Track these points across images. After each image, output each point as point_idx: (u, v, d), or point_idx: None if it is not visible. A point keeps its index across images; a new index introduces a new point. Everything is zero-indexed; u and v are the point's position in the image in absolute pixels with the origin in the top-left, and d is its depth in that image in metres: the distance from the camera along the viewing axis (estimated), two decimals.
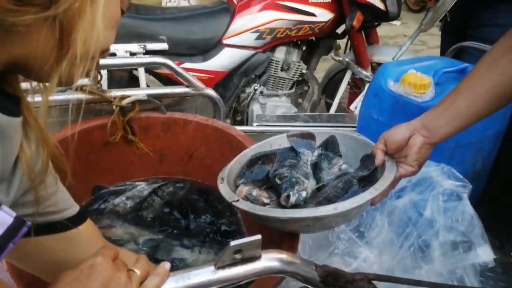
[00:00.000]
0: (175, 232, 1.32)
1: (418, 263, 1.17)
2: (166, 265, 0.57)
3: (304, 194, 0.95)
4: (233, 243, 0.56)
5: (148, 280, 0.55)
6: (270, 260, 0.61)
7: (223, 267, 0.58)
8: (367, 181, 1.02)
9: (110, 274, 0.52)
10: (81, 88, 1.43)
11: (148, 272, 0.56)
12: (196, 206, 1.43)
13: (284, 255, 0.62)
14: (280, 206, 0.96)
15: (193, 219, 1.38)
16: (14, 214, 0.46)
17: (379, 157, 1.00)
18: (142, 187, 1.48)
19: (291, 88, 2.51)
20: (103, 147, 1.44)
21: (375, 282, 0.76)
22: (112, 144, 1.44)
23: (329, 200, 0.95)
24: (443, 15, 2.13)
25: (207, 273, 0.57)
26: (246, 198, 0.95)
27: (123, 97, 1.42)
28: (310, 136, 1.18)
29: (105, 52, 0.52)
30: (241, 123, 2.39)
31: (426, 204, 1.22)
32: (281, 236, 0.95)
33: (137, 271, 0.54)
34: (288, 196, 0.93)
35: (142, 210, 1.39)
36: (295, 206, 0.94)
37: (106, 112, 1.45)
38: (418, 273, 1.13)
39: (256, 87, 2.35)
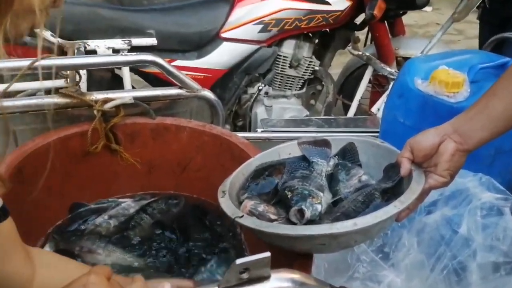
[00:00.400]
0: (167, 258, 1.35)
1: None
2: (166, 286, 0.60)
3: (319, 208, 0.98)
4: (239, 261, 0.59)
5: None
6: (280, 280, 0.64)
7: (227, 287, 0.61)
8: (391, 194, 1.05)
9: None
10: (57, 91, 1.48)
11: None
12: (191, 227, 1.46)
13: (296, 275, 0.65)
14: (290, 223, 0.99)
15: (187, 242, 1.40)
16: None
17: (405, 167, 1.03)
18: (128, 204, 1.50)
19: (301, 87, 2.55)
20: (83, 158, 1.48)
21: None
22: (93, 154, 1.47)
23: (347, 216, 0.97)
24: (480, 1, 2.18)
25: None
26: (251, 213, 0.98)
27: (106, 101, 1.46)
28: (325, 144, 1.22)
29: (57, 1, 0.56)
30: (243, 129, 2.42)
31: (461, 220, 1.24)
32: (292, 258, 0.98)
33: None
34: (300, 211, 0.96)
35: (128, 230, 1.41)
36: (308, 223, 0.97)
37: (86, 117, 1.49)
38: None
39: (260, 87, 2.39)
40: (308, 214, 0.96)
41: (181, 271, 1.31)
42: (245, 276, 0.61)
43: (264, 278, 0.62)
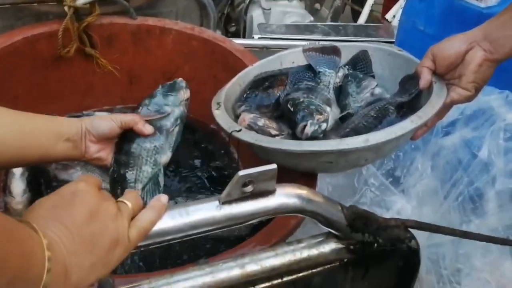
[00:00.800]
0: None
1: (467, 216, 1.26)
2: (163, 197, 0.64)
3: (324, 126, 1.02)
4: (242, 172, 0.63)
5: (141, 214, 0.63)
6: (286, 196, 0.68)
7: (229, 202, 0.65)
8: (407, 109, 1.08)
9: (96, 202, 0.59)
10: None
11: (140, 206, 0.64)
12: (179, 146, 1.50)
13: (303, 191, 0.70)
14: (293, 139, 1.03)
15: (176, 164, 1.45)
16: None
17: (425, 78, 1.06)
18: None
19: None
20: (53, 64, 1.48)
21: (412, 230, 0.85)
22: (65, 59, 1.48)
23: (357, 132, 1.01)
24: None
25: (211, 209, 0.64)
26: (250, 127, 1.01)
27: None
28: (334, 51, 1.23)
29: None
30: (235, 35, 2.41)
31: (482, 142, 1.29)
32: (294, 178, 1.02)
33: (128, 203, 0.62)
34: (304, 126, 0.99)
35: None
36: (311, 139, 1.00)
37: (55, 15, 1.49)
38: (466, 228, 1.23)
39: None
40: (309, 130, 0.99)
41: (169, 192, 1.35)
42: (248, 189, 0.65)
43: (268, 193, 0.67)
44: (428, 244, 1.32)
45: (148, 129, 1.06)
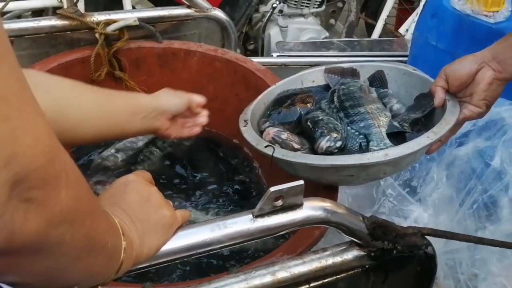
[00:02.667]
0: (181, 189, 1.47)
1: (482, 223, 1.32)
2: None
3: (339, 144, 1.08)
4: (273, 188, 0.70)
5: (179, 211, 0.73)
6: (313, 208, 0.75)
7: (262, 215, 0.72)
8: (421, 125, 1.14)
9: (146, 189, 0.69)
10: (55, 12, 1.55)
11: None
12: (204, 160, 1.57)
13: (328, 204, 0.77)
14: (313, 153, 1.09)
15: (201, 177, 1.52)
16: None
17: (439, 96, 1.12)
18: (136, 137, 1.62)
19: (320, 5, 2.58)
20: None
21: (429, 238, 0.92)
22: (96, 82, 1.57)
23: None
24: None
25: (245, 222, 0.71)
26: (274, 141, 1.08)
27: (108, 22, 1.54)
28: (353, 73, 1.30)
29: None
30: (254, 53, 2.49)
31: (494, 152, 1.35)
32: (317, 191, 1.09)
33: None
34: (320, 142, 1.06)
35: (137, 164, 1.53)
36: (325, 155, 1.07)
37: (86, 42, 1.58)
38: (481, 234, 1.28)
39: (274, 5, 2.42)
40: (324, 145, 1.05)
41: (196, 202, 1.42)
42: (278, 203, 0.72)
43: (297, 206, 0.74)
44: (445, 250, 1.37)
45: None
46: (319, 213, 0.75)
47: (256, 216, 0.72)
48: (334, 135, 1.08)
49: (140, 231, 0.65)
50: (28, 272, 0.47)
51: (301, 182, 0.71)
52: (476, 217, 1.35)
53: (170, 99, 1.13)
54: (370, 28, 2.86)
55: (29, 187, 0.40)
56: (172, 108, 1.11)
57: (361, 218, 0.81)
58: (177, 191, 1.45)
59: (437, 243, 1.39)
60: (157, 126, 1.09)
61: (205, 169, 1.54)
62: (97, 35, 1.52)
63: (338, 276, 0.85)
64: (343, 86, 1.20)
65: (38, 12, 2.10)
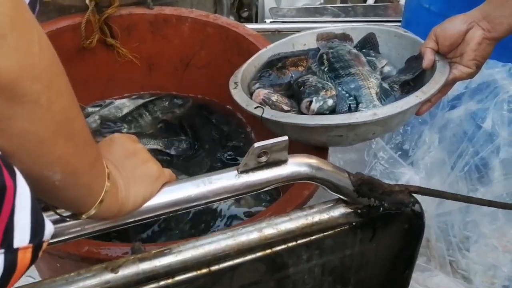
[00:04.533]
0: (171, 156, 1.47)
1: (474, 185, 1.33)
2: None
3: (330, 102, 1.08)
4: (257, 144, 0.70)
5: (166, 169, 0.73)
6: (297, 164, 0.76)
7: (246, 171, 0.73)
8: (412, 87, 1.15)
9: (131, 144, 0.70)
10: None
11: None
12: (198, 126, 1.57)
13: (313, 160, 0.77)
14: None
15: (193, 143, 1.52)
16: None
17: (428, 57, 1.12)
18: (122, 103, 1.62)
19: None
20: (76, 55, 1.57)
21: (421, 200, 0.92)
22: (87, 50, 1.56)
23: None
24: None
25: (230, 178, 0.72)
26: (264, 102, 1.09)
27: None
28: (345, 38, 1.29)
29: None
30: (248, 20, 2.47)
31: (486, 114, 1.35)
32: (306, 152, 1.10)
33: None
34: (310, 103, 1.06)
35: (124, 123, 1.53)
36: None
37: (76, 9, 1.57)
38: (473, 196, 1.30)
39: None
40: (315, 106, 1.06)
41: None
42: (263, 159, 0.73)
43: (281, 162, 0.74)
44: (437, 213, 1.39)
45: None
46: (304, 169, 0.76)
47: (241, 172, 0.73)
48: (322, 93, 1.08)
49: (125, 179, 0.65)
50: (3, 130, 0.47)
51: (285, 137, 0.72)
52: (467, 180, 1.37)
53: None
54: None
55: None
56: None
57: (347, 175, 0.81)
58: (168, 158, 1.46)
59: (429, 205, 1.41)
60: None
61: (198, 136, 1.54)
62: (87, 1, 1.51)
63: (325, 233, 0.86)
64: (331, 50, 1.20)
65: None
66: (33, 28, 0.47)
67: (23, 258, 0.48)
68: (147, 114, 1.55)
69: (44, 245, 0.51)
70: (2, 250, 0.46)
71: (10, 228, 0.46)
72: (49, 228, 0.52)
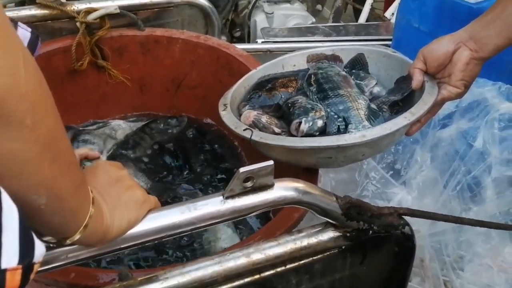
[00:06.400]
0: (172, 176, 1.47)
1: (467, 204, 1.32)
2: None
3: (319, 123, 1.07)
4: (242, 169, 0.70)
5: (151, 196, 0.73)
6: (284, 189, 0.75)
7: (232, 196, 0.72)
8: (401, 107, 1.14)
9: (115, 171, 0.70)
10: (33, 1, 1.54)
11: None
12: (191, 149, 1.57)
13: (300, 184, 0.77)
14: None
15: (187, 166, 1.51)
16: (29, 28, 0.66)
17: (417, 78, 1.11)
18: (118, 125, 1.61)
19: None
20: (67, 77, 1.57)
21: (416, 221, 0.91)
22: (78, 72, 1.57)
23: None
24: None
25: (215, 203, 0.71)
26: (254, 125, 1.08)
27: (89, 11, 1.53)
28: (335, 59, 1.29)
29: None
30: (241, 40, 2.48)
31: (477, 133, 1.35)
32: (296, 176, 1.09)
33: None
34: (299, 124, 1.06)
35: (128, 149, 1.53)
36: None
37: (67, 31, 1.57)
38: (465, 215, 1.29)
39: None
40: (304, 127, 1.05)
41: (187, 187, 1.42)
42: (249, 184, 0.72)
43: (268, 186, 0.74)
44: (430, 233, 1.38)
45: None
46: (290, 194, 0.75)
47: (227, 198, 0.72)
48: (312, 114, 1.07)
49: (110, 204, 0.65)
50: None
51: (271, 162, 0.71)
52: (460, 199, 1.36)
53: None
54: (358, 14, 2.85)
55: None
56: None
57: (335, 199, 0.81)
58: (165, 180, 1.46)
59: (422, 225, 1.40)
60: None
61: (191, 158, 1.54)
62: (78, 24, 1.52)
63: (314, 258, 0.85)
64: (321, 71, 1.19)
65: (22, 3, 2.09)
66: (18, 49, 0.47)
67: (12, 279, 0.47)
68: (147, 137, 1.56)
69: (36, 268, 0.51)
70: None
71: None
72: (39, 250, 0.51)
